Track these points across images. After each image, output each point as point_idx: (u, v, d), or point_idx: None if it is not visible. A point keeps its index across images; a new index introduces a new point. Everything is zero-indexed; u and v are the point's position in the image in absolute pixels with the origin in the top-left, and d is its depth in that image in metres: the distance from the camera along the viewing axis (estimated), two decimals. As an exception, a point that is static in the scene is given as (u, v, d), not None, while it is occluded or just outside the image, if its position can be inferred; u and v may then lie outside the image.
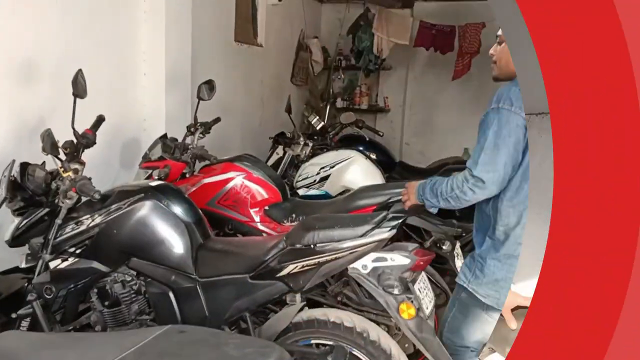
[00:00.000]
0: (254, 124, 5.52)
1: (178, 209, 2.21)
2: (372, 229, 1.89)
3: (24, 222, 2.24)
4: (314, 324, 2.02)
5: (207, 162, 3.07)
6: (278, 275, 1.98)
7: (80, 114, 2.27)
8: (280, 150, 4.10)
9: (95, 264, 2.17)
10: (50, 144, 2.07)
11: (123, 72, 3.58)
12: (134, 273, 2.24)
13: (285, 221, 2.88)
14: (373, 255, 1.92)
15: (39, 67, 2.91)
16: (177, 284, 2.12)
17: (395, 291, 1.88)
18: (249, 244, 2.20)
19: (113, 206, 2.15)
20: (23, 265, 2.23)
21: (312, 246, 1.93)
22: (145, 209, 2.15)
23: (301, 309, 2.07)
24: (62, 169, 2.18)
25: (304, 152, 4.03)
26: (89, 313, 2.37)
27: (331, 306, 2.53)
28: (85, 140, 2.33)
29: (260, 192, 2.93)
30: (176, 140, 3.21)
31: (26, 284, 2.37)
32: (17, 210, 2.25)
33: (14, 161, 2.31)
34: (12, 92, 2.78)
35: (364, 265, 1.93)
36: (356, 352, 1.95)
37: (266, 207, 2.92)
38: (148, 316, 2.28)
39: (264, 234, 2.87)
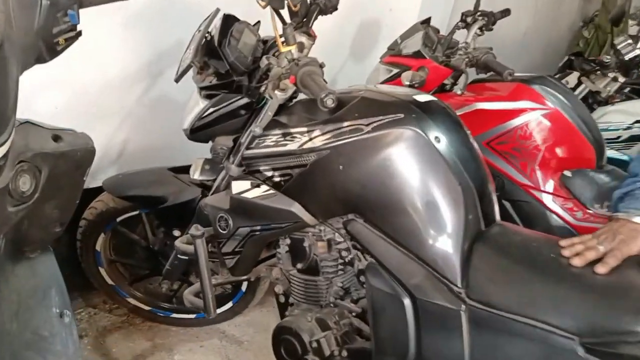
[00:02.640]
0: (517, 32, 4.14)
1: (455, 157, 1.19)
2: None
3: (211, 109, 1.43)
4: None
5: (478, 75, 1.96)
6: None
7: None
8: (573, 77, 2.77)
9: (297, 208, 1.29)
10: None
11: None
12: (349, 238, 1.34)
13: (596, 205, 1.71)
14: None
15: None
16: (425, 294, 1.16)
17: None
18: (589, 271, 1.10)
19: (346, 124, 1.21)
20: (196, 177, 1.46)
21: None
22: (400, 143, 1.17)
23: None
24: (282, 39, 1.27)
25: (608, 89, 2.67)
26: (271, 262, 1.59)
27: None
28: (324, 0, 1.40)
29: (564, 145, 1.76)
30: (438, 31, 2.13)
31: (200, 197, 1.64)
32: (205, 89, 1.45)
33: (217, 11, 1.48)
34: None
35: None
36: None
37: (566, 172, 1.76)
38: (354, 306, 1.40)
39: (555, 216, 1.74)
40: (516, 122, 1.78)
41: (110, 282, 1.96)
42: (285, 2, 1.26)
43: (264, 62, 1.36)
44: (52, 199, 1.01)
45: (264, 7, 1.24)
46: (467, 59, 1.82)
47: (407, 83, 1.82)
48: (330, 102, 1.06)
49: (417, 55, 1.93)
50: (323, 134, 1.22)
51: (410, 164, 1.17)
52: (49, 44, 0.84)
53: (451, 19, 2.93)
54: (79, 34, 0.90)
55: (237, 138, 1.47)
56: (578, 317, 0.98)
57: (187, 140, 1.57)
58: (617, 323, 0.93)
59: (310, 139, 1.23)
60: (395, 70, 2.00)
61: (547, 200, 1.76)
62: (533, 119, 1.77)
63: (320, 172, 1.24)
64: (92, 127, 1.93)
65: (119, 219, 1.82)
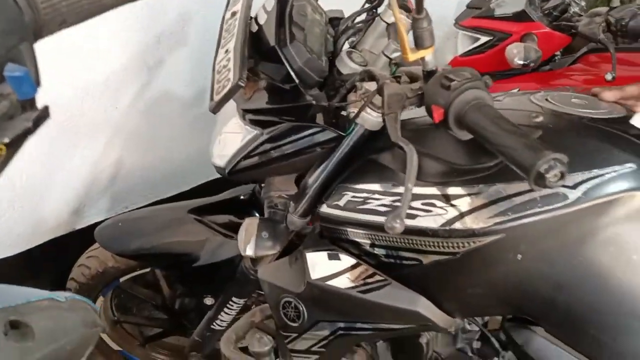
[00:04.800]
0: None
1: None
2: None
3: (267, 145, 0.89)
4: None
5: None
6: None
7: None
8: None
9: (425, 308, 0.80)
10: None
11: None
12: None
13: None
14: None
15: None
16: None
17: None
18: None
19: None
20: (250, 253, 0.93)
21: None
22: (636, 218, 0.67)
23: None
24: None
25: None
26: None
27: None
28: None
29: None
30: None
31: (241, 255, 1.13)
32: (251, 112, 0.90)
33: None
34: None
35: None
36: None
37: None
38: None
39: None
40: None
41: (116, 347, 1.47)
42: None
43: (346, 65, 0.83)
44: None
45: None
46: (603, 24, 1.27)
47: (520, 62, 1.28)
48: (556, 180, 0.54)
49: (520, 17, 1.38)
50: (486, 204, 0.70)
51: (648, 251, 0.67)
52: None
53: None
54: (45, 113, 0.36)
55: (300, 177, 0.95)
56: None
57: (203, 158, 1.03)
58: None
59: (461, 215, 0.71)
60: (483, 39, 1.46)
61: None
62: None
63: (479, 263, 0.73)
64: (71, 149, 1.40)
65: (122, 279, 1.30)
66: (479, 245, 0.71)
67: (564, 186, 0.67)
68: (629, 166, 0.67)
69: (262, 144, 0.88)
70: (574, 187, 0.67)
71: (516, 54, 1.29)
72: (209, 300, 1.23)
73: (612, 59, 1.21)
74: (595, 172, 0.67)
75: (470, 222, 0.71)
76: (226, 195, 1.25)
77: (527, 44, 1.30)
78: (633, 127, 0.73)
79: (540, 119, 0.74)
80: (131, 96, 1.34)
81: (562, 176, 0.54)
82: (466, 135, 0.66)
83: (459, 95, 0.63)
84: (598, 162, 0.68)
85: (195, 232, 1.18)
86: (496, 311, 0.81)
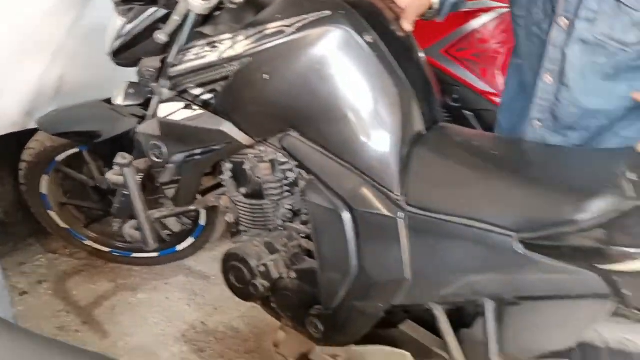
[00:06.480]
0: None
1: (391, 58, 1.09)
2: None
3: (128, 27, 1.30)
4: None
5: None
6: (598, 264, 0.83)
7: None
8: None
9: (228, 128, 1.20)
10: None
11: None
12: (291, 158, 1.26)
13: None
14: None
15: None
16: (362, 204, 1.09)
17: None
18: (536, 163, 1.02)
19: (268, 26, 1.09)
20: (119, 102, 1.35)
21: None
22: (328, 44, 1.07)
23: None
24: None
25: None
26: (220, 190, 1.51)
27: None
28: None
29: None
30: None
31: (136, 129, 1.54)
32: (119, 4, 1.32)
33: None
34: None
35: None
36: None
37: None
38: (304, 227, 1.33)
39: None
40: (474, 24, 1.66)
41: (63, 225, 1.90)
42: None
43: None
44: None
45: None
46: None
47: None
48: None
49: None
50: (246, 39, 1.11)
51: (339, 66, 1.07)
52: None
53: None
54: None
55: (164, 59, 1.36)
56: (515, 213, 0.91)
57: (129, 70, 1.44)
58: (555, 214, 0.86)
59: (228, 48, 1.12)
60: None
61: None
62: (491, 19, 1.64)
63: (244, 84, 1.13)
64: (20, 66, 1.81)
65: (58, 159, 1.72)
66: (239, 68, 1.11)
67: (284, 26, 1.08)
68: (326, 12, 1.07)
69: (124, 26, 1.30)
70: (290, 26, 1.07)
71: None
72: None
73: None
74: (304, 16, 1.07)
75: (232, 51, 1.12)
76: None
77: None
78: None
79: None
80: (68, 24, 1.76)
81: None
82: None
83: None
84: (307, 10, 1.07)
85: (106, 115, 1.60)
86: (275, 127, 1.20)
